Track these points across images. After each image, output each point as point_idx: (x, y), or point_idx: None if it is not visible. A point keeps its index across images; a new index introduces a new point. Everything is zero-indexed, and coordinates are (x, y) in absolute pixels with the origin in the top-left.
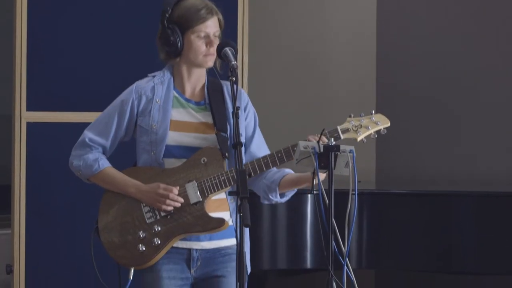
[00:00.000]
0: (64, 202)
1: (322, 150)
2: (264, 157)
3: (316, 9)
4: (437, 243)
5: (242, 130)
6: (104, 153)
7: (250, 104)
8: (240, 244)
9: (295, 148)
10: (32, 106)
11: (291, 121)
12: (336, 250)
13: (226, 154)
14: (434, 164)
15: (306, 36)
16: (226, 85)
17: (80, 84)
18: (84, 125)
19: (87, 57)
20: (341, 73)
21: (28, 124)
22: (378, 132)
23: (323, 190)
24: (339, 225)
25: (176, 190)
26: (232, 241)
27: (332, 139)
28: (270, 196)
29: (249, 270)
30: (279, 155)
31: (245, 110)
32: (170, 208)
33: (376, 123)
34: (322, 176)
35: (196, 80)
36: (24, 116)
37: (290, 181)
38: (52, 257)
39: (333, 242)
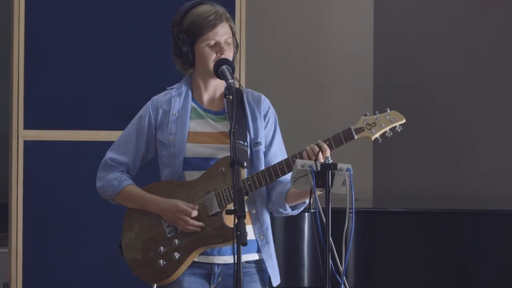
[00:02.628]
0: (62, 221)
1: (319, 168)
2: (262, 171)
3: (314, 18)
4: (435, 261)
5: (261, 138)
6: (128, 171)
7: (271, 110)
8: (237, 264)
9: (295, 159)
10: (29, 124)
11: (289, 128)
12: (333, 268)
13: (245, 163)
14: (432, 182)
15: (303, 45)
16: (246, 93)
17: (77, 103)
18: (80, 143)
19: (84, 75)
20: (339, 83)
21: (26, 142)
22: (393, 129)
23: (320, 209)
24: (336, 244)
25: (195, 212)
26: (254, 256)
27: (329, 158)
28: (280, 209)
29: (277, 282)
30: (281, 166)
31: (265, 118)
32: (190, 231)
33: (391, 120)
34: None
35: (213, 89)
36: (22, 135)
37: (296, 192)
38: (50, 276)
39: (330, 260)
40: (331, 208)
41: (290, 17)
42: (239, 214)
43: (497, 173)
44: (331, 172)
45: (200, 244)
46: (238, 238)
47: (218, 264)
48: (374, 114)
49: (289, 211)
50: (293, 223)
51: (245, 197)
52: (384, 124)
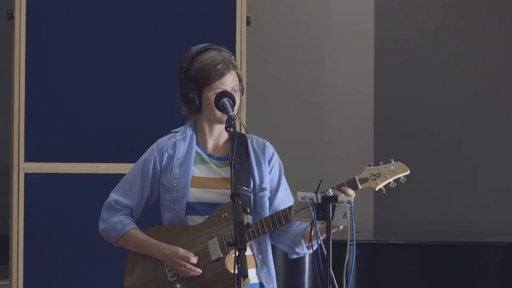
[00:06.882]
0: (62, 253)
1: (320, 201)
2: (266, 218)
3: (314, 57)
4: None
5: (266, 184)
6: (131, 214)
7: (275, 157)
8: None
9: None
10: (30, 157)
11: (287, 168)
12: None
13: (248, 209)
14: (432, 214)
15: (303, 83)
16: (250, 139)
17: (78, 135)
18: (81, 176)
19: (85, 108)
20: (339, 123)
21: (26, 175)
22: (397, 180)
23: (321, 241)
24: (337, 276)
25: (194, 259)
26: None
27: (329, 191)
28: (297, 250)
29: None
30: (284, 214)
31: (269, 163)
32: (188, 275)
33: (395, 172)
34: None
35: (218, 135)
36: (22, 167)
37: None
38: None
39: None
40: (332, 240)
41: (290, 56)
42: (240, 247)
43: (496, 206)
44: (332, 204)
45: None
46: (239, 270)
47: None
48: (378, 164)
49: (305, 251)
50: None
51: (248, 242)
52: (389, 175)
